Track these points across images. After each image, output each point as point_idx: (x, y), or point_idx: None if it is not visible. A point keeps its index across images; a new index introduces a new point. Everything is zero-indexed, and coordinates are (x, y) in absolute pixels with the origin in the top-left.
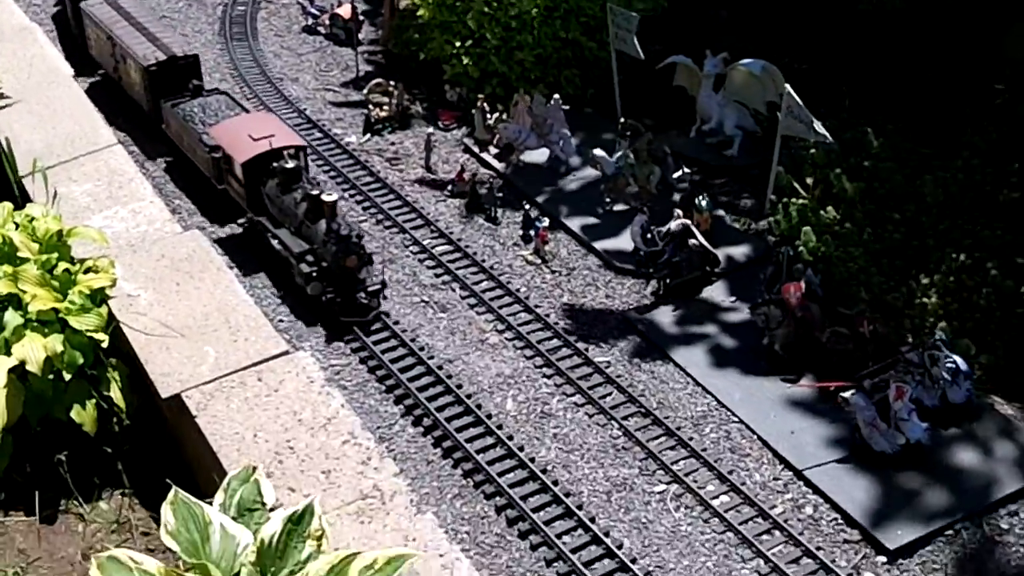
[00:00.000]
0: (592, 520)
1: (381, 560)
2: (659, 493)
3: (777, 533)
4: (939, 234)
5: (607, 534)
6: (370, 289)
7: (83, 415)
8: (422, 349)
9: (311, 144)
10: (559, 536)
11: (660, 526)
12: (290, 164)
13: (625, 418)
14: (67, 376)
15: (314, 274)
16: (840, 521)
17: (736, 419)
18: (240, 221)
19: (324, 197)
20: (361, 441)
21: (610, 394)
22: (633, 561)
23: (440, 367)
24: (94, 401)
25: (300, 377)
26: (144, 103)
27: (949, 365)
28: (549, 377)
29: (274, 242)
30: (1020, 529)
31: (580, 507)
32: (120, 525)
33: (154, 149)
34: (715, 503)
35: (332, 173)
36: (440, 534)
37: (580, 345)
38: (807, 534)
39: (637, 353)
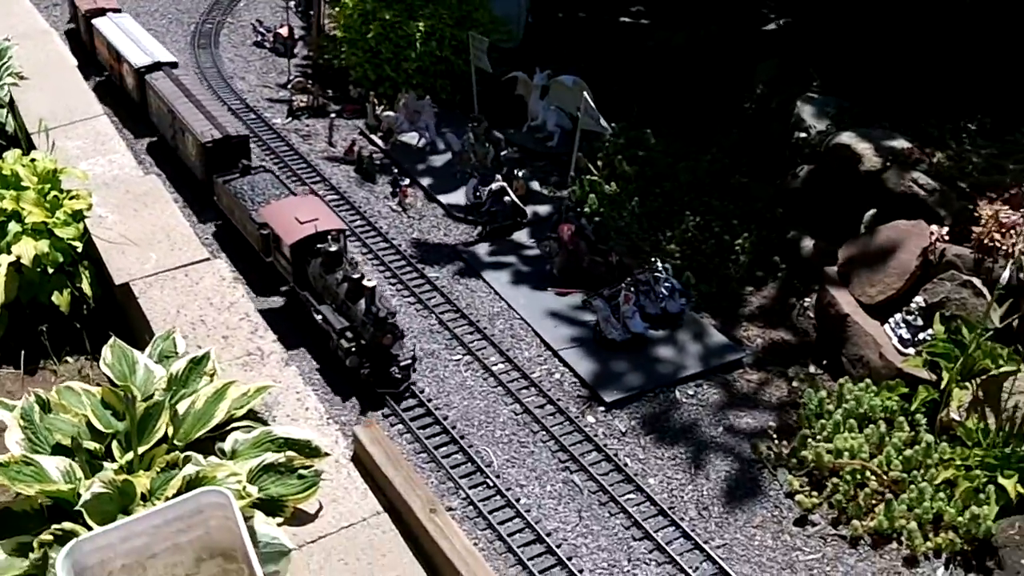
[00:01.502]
0: None
1: (252, 389)
2: (456, 361)
3: (533, 389)
4: (684, 204)
5: (414, 383)
6: (402, 364)
7: (60, 299)
8: None
9: (249, 126)
10: (323, 318)
11: (452, 381)
12: (333, 248)
13: (442, 313)
14: (50, 270)
15: (353, 349)
16: (577, 384)
17: (519, 316)
18: (283, 289)
19: (365, 283)
20: (253, 318)
21: (434, 297)
22: (429, 400)
23: None
24: (69, 289)
25: (215, 276)
26: (198, 173)
27: (667, 285)
28: (394, 285)
29: (317, 316)
30: (696, 397)
31: None
32: (82, 377)
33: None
34: (493, 368)
35: (261, 145)
36: (299, 380)
37: (420, 266)
38: (553, 391)
39: (459, 272)
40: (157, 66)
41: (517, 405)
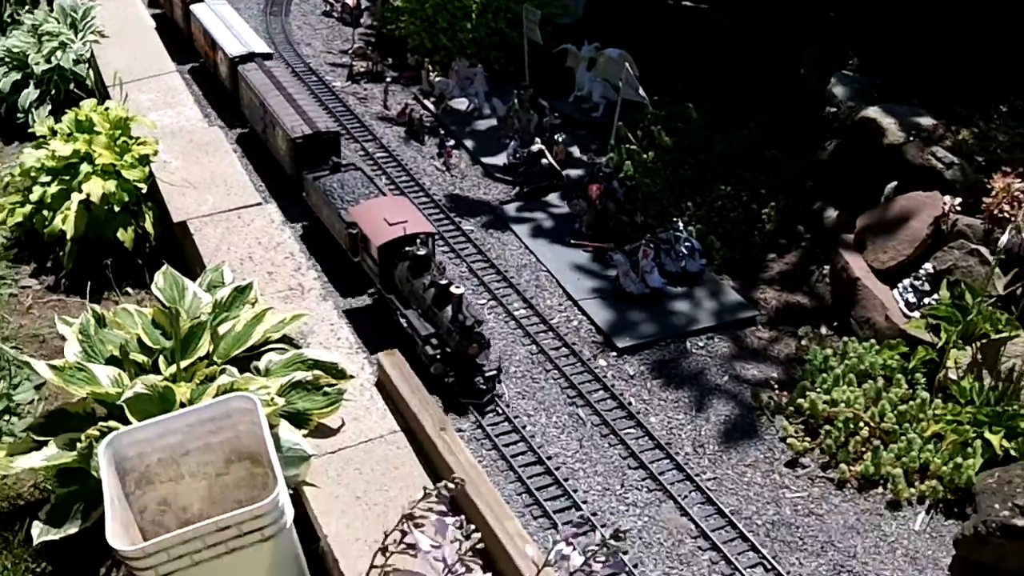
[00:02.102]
0: None
1: (288, 316)
2: (481, 304)
3: (550, 333)
4: (715, 174)
5: None
6: (487, 374)
7: (125, 236)
8: None
9: (307, 84)
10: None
11: None
12: (421, 251)
13: (473, 262)
14: (117, 209)
15: (438, 356)
16: (593, 331)
17: (544, 269)
18: (370, 291)
19: (452, 289)
20: (297, 258)
21: (467, 248)
22: None
23: None
24: (133, 227)
25: (266, 219)
26: (287, 168)
27: (687, 244)
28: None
29: (402, 321)
30: (705, 349)
31: None
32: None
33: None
34: (516, 313)
35: (318, 104)
36: (333, 313)
37: (456, 219)
38: (569, 336)
39: (491, 226)
40: (251, 56)
41: (534, 346)
